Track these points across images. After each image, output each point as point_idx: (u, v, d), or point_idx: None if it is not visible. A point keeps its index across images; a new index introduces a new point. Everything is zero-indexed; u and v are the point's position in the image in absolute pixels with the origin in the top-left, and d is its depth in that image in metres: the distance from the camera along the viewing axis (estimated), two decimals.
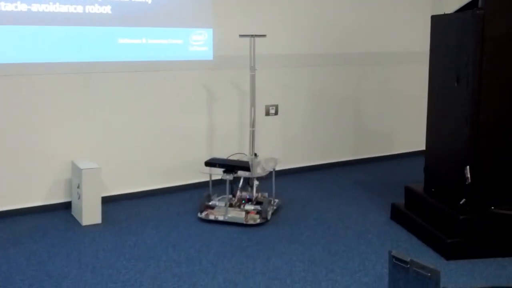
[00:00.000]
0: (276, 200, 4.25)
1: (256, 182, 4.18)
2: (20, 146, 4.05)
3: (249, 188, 4.22)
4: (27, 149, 4.08)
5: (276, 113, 5.21)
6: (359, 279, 3.13)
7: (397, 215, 4.00)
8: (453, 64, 3.56)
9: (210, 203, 4.14)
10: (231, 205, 4.07)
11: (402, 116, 5.85)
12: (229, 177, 4.00)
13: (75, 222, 3.97)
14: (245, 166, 4.07)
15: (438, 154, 3.81)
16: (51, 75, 4.13)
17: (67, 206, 4.18)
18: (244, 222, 3.90)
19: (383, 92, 5.74)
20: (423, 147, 4.11)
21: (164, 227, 3.90)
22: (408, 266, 2.88)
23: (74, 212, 4.11)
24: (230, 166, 4.06)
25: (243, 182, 4.22)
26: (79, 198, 3.99)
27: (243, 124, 4.94)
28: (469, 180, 3.42)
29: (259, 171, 4.21)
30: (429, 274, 2.79)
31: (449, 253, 3.40)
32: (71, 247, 3.51)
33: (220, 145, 4.87)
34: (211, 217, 3.99)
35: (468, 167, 3.43)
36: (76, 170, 4.06)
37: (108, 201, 4.19)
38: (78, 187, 4.01)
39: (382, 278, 3.06)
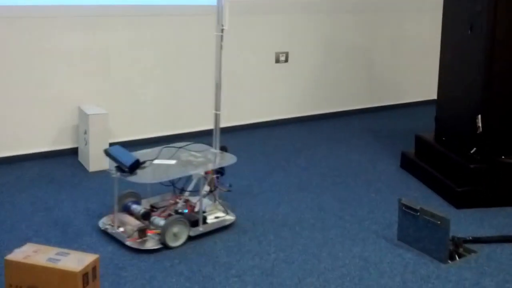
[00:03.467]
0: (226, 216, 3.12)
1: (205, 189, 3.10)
2: (27, 92, 3.99)
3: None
4: (34, 94, 4.02)
5: (286, 61, 5.11)
6: (368, 226, 3.12)
7: (407, 164, 3.96)
8: (467, 11, 3.45)
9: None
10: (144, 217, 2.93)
11: (414, 64, 5.73)
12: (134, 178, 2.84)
13: (82, 168, 3.95)
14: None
15: (450, 103, 3.74)
16: (58, 18, 4.02)
17: (74, 152, 4.16)
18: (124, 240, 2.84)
19: (396, 40, 5.60)
20: (434, 96, 4.04)
21: None
22: (418, 214, 2.87)
23: (81, 158, 4.09)
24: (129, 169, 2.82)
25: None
26: (86, 144, 3.97)
27: (249, 75, 4.86)
28: (480, 129, 3.37)
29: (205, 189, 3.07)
30: (439, 222, 2.78)
31: (459, 202, 3.38)
32: (78, 193, 3.50)
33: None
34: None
35: (479, 116, 3.37)
36: (83, 116, 4.01)
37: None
38: (85, 133, 3.98)
39: (391, 226, 3.05)
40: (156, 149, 3.15)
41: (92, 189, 3.58)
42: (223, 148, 3.23)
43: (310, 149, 4.40)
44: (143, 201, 3.12)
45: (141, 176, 2.86)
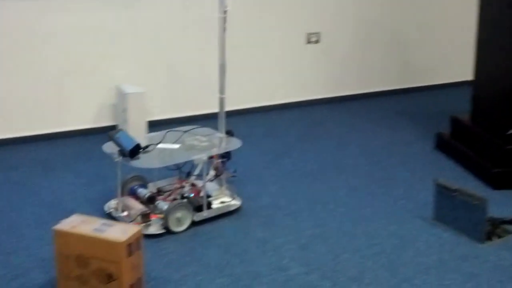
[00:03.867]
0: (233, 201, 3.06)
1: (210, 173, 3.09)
2: (69, 72, 4.10)
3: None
4: (75, 74, 4.12)
5: (317, 41, 5.10)
6: (403, 206, 3.14)
7: (443, 145, 3.94)
8: None
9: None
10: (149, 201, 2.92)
11: (447, 44, 5.65)
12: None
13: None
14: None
15: (487, 83, 3.70)
16: None
17: (113, 129, 4.26)
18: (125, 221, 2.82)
19: (429, 19, 5.52)
20: (469, 77, 3.99)
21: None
22: (455, 194, 2.87)
23: None
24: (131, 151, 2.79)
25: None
26: (124, 122, 4.06)
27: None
28: None
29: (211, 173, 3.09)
30: (477, 202, 2.78)
31: (495, 182, 3.36)
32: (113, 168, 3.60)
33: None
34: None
35: None
36: (122, 95, 4.10)
37: (153, 126, 4.24)
38: (124, 111, 4.07)
39: (427, 206, 3.06)
40: (161, 133, 3.10)
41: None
42: (229, 132, 3.16)
43: (342, 130, 4.41)
44: (150, 185, 3.08)
45: (143, 161, 2.81)
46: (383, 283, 2.44)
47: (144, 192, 2.96)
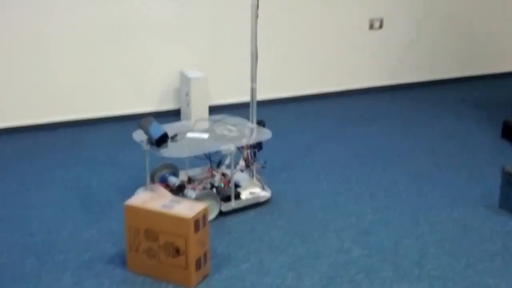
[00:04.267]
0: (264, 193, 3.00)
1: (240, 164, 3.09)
2: (134, 56, 4.23)
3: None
4: (141, 59, 4.25)
5: (380, 27, 5.05)
6: (467, 193, 3.09)
7: (509, 133, 3.84)
8: None
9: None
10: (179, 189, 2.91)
11: None
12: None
13: None
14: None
15: None
16: None
17: (176, 113, 4.38)
18: None
19: (494, 5, 5.36)
20: None
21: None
22: None
23: (183, 118, 4.30)
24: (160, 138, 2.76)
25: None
26: (188, 105, 4.17)
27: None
28: None
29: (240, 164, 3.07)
30: None
31: None
32: None
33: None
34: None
35: None
36: (185, 79, 4.21)
37: (214, 110, 4.33)
38: (187, 95, 4.17)
39: (492, 194, 3.00)
40: (191, 122, 3.07)
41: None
42: (260, 123, 3.07)
43: (404, 117, 4.37)
44: (182, 173, 3.05)
45: (171, 150, 2.76)
46: (446, 268, 2.42)
47: (174, 181, 2.93)
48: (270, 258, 2.48)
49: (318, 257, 2.49)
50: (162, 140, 2.75)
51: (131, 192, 2.84)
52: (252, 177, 3.07)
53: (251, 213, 2.88)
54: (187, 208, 2.34)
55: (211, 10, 4.39)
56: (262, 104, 4.52)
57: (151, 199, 2.42)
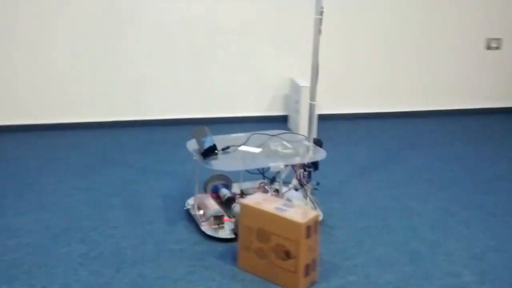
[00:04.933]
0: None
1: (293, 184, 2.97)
2: (247, 63, 4.36)
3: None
4: (252, 65, 4.37)
5: (498, 47, 4.86)
6: None
7: None
8: None
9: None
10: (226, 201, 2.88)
11: None
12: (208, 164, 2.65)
13: None
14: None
15: None
16: None
17: (283, 119, 4.45)
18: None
19: None
20: None
21: (376, 148, 3.97)
22: None
23: (290, 125, 4.37)
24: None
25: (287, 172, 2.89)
26: (296, 113, 4.22)
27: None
28: None
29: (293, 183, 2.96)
30: None
31: None
32: None
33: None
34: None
35: None
36: (295, 87, 4.27)
37: (322, 119, 4.37)
38: (296, 102, 4.23)
39: None
40: (246, 135, 3.01)
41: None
42: (317, 142, 2.95)
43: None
44: (235, 185, 3.02)
45: (218, 162, 2.68)
46: None
47: (225, 192, 2.89)
48: (377, 273, 2.47)
49: (427, 278, 2.44)
50: (209, 152, 2.71)
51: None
52: (306, 197, 2.95)
53: (359, 224, 2.87)
54: (300, 213, 2.38)
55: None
56: (369, 116, 4.51)
57: (264, 200, 2.48)
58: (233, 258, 2.51)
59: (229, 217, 2.77)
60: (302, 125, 4.14)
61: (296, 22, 4.36)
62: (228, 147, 2.81)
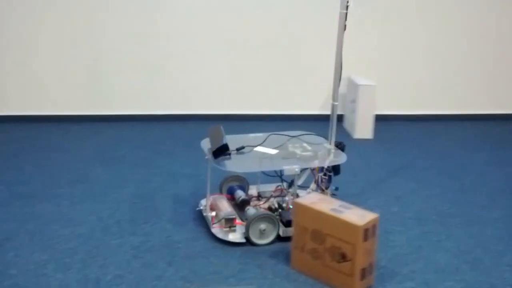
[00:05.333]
0: None
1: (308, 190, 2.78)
2: (304, 61, 4.29)
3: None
4: (309, 63, 4.30)
5: None
6: None
7: None
8: None
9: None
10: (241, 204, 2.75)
11: None
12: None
13: (347, 134, 4.13)
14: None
15: None
16: None
17: (339, 118, 4.36)
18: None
19: None
20: None
21: (437, 151, 3.83)
22: None
23: (346, 124, 4.28)
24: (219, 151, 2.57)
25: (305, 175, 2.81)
26: (353, 112, 4.13)
27: None
28: None
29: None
30: None
31: None
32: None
33: None
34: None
35: None
36: (353, 86, 4.17)
37: (379, 120, 4.25)
38: (353, 101, 4.13)
39: None
40: (264, 135, 2.86)
41: (356, 155, 3.73)
42: (339, 145, 2.80)
43: None
44: (253, 188, 2.91)
45: (229, 162, 2.55)
46: None
47: (240, 194, 2.77)
48: (436, 281, 2.35)
49: None
50: (220, 152, 2.57)
51: None
52: None
53: (416, 229, 2.76)
54: (357, 215, 2.30)
55: (380, 16, 4.31)
56: (434, 117, 4.36)
57: (320, 200, 2.42)
58: (286, 258, 2.46)
59: (242, 220, 2.65)
60: (358, 124, 4.04)
61: (356, 17, 4.26)
62: (243, 147, 2.69)
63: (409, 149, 3.90)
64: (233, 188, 2.84)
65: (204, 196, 2.83)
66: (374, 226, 2.30)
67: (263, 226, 2.54)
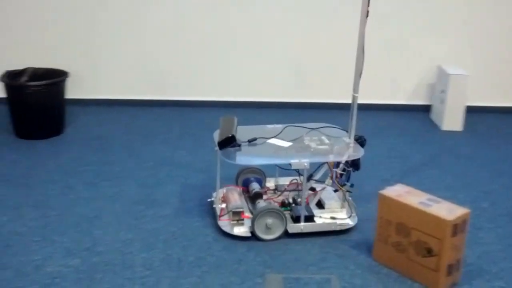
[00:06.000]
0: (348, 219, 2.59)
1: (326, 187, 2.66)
2: (391, 49, 4.16)
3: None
4: (397, 51, 4.17)
5: None
6: None
7: None
8: None
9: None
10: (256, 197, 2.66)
11: None
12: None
13: (434, 126, 3.97)
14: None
15: None
16: None
17: (426, 108, 4.20)
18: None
19: None
20: None
21: None
22: None
23: (433, 115, 4.11)
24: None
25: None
26: (442, 102, 3.96)
27: None
28: None
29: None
30: None
31: None
32: (429, 148, 3.55)
33: None
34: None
35: None
36: (443, 75, 3.99)
37: (470, 111, 4.05)
38: (442, 92, 3.96)
39: None
40: (280, 127, 2.74)
41: (444, 146, 3.58)
42: (360, 139, 2.61)
43: None
44: (271, 180, 2.83)
45: (237, 154, 2.46)
46: None
47: (254, 187, 2.69)
48: None
49: None
50: (225, 143, 2.48)
51: None
52: (344, 200, 2.66)
53: (509, 227, 2.61)
54: (446, 209, 2.20)
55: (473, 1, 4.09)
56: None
57: (407, 193, 2.33)
58: (368, 249, 2.40)
59: (252, 213, 2.56)
60: (447, 116, 3.87)
61: (448, 2, 4.06)
62: (255, 139, 2.59)
63: (502, 143, 3.69)
64: (249, 180, 2.77)
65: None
66: (464, 222, 2.19)
67: (269, 221, 2.46)
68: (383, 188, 2.33)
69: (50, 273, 2.21)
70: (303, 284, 2.17)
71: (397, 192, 2.35)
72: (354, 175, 2.59)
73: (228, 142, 2.48)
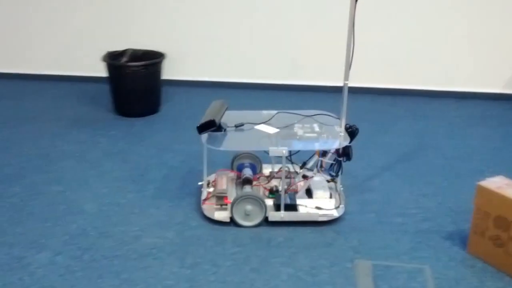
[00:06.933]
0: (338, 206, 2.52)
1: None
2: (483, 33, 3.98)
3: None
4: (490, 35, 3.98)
5: None
6: None
7: None
8: None
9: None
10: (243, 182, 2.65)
11: None
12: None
13: None
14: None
15: None
16: None
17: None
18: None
19: None
20: None
21: None
22: None
23: None
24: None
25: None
26: None
27: None
28: None
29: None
30: None
31: None
32: None
33: None
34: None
35: None
36: None
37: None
38: None
39: None
40: (271, 113, 2.68)
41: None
42: (350, 128, 2.50)
43: None
44: (266, 166, 2.78)
45: (213, 139, 2.44)
46: None
47: (245, 173, 2.65)
48: None
49: None
50: (205, 127, 2.45)
51: None
52: (336, 190, 2.61)
53: None
54: None
55: None
56: None
57: (507, 185, 2.23)
58: (462, 242, 2.32)
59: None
60: None
61: None
62: (242, 124, 2.56)
63: None
64: (243, 165, 2.75)
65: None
66: None
67: (248, 207, 2.43)
68: (480, 180, 2.25)
69: (148, 243, 2.32)
70: (394, 273, 2.14)
71: (497, 184, 2.25)
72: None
73: (208, 126, 2.46)
